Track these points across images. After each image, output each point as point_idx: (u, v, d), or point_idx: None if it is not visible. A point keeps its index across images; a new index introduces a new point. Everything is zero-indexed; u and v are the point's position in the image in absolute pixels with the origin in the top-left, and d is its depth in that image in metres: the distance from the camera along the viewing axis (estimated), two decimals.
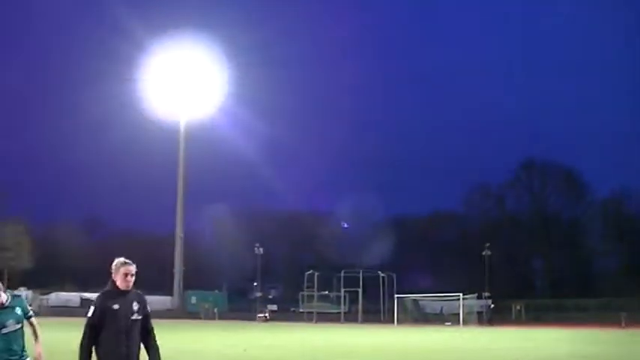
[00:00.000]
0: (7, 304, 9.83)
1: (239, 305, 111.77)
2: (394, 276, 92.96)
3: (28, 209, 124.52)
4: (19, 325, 9.93)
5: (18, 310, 9.97)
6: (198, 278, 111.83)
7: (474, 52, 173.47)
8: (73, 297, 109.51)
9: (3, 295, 9.83)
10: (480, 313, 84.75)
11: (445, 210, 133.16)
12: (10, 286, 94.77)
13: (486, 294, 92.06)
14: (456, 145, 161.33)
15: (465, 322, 78.60)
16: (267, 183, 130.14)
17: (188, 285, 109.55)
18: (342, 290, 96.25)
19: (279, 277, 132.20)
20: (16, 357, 9.83)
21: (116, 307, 8.53)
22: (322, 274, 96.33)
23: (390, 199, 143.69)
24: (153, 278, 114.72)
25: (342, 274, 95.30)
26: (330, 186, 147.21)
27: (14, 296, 10.14)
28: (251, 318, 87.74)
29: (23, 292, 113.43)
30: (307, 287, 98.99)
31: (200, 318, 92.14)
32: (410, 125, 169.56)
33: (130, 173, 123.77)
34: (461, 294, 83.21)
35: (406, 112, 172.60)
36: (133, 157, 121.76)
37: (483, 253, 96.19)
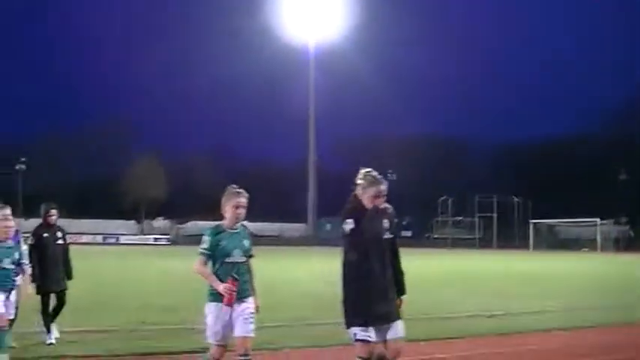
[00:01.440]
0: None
1: None
2: (529, 201, 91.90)
3: (160, 141, 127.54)
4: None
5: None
6: (332, 206, 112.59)
7: None
8: (209, 225, 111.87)
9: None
10: (617, 240, 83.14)
11: (582, 133, 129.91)
12: (148, 215, 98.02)
13: (624, 219, 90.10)
14: (588, 67, 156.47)
15: (603, 249, 77.27)
16: (398, 108, 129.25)
17: (322, 212, 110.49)
18: (477, 216, 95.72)
19: (412, 204, 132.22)
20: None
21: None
22: (456, 200, 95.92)
23: (523, 122, 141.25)
24: (286, 206, 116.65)
25: (477, 200, 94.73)
26: (460, 111, 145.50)
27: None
28: None
29: (161, 222, 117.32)
30: (441, 213, 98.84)
31: (334, 245, 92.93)
32: (537, 48, 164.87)
33: (261, 101, 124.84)
34: (598, 219, 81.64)
35: (529, 34, 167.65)
36: (263, 84, 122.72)
37: (621, 177, 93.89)
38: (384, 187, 7.76)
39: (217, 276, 7.96)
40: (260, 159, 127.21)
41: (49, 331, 12.37)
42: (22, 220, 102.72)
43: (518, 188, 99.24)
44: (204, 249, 8.08)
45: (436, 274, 34.00)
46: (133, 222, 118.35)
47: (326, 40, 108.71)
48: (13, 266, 10.29)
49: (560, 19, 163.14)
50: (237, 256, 8.08)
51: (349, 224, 7.54)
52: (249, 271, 8.26)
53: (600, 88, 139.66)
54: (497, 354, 11.89)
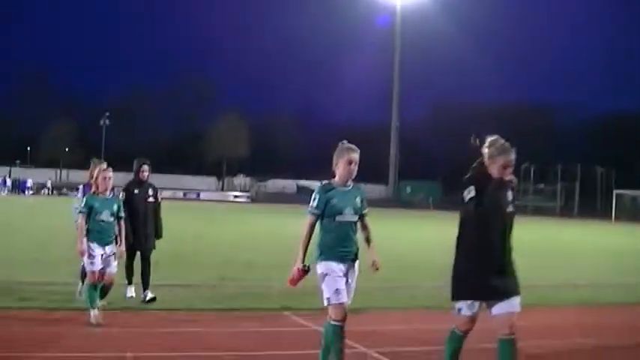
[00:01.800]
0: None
1: (454, 197, 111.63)
2: (613, 171, 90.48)
3: (243, 100, 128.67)
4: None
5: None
6: (413, 168, 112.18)
7: None
8: (289, 184, 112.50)
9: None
10: None
11: None
12: (229, 172, 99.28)
13: None
14: None
15: None
16: (483, 74, 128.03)
17: (403, 175, 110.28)
18: (559, 184, 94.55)
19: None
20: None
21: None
22: (538, 168, 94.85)
23: (614, 92, 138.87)
24: (368, 167, 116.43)
25: (559, 168, 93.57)
26: (545, 78, 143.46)
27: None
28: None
29: (242, 179, 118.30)
30: (523, 180, 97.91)
31: (414, 207, 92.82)
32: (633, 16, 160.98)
33: (343, 64, 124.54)
34: None
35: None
36: (347, 47, 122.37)
37: None
38: (513, 156, 7.38)
39: (327, 235, 7.66)
40: (342, 120, 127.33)
41: (130, 283, 12.44)
42: None
43: (605, 158, 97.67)
44: (314, 207, 7.71)
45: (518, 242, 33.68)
46: (213, 178, 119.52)
47: (413, 3, 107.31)
48: (112, 219, 10.49)
49: None
50: (348, 215, 7.72)
51: (470, 192, 7.05)
52: (364, 229, 7.97)
53: None
54: (578, 325, 11.79)
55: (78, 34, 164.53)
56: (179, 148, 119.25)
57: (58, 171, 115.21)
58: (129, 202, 12.05)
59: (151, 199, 12.54)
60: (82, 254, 10.44)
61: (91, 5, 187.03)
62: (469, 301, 6.99)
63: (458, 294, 7.06)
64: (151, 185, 12.67)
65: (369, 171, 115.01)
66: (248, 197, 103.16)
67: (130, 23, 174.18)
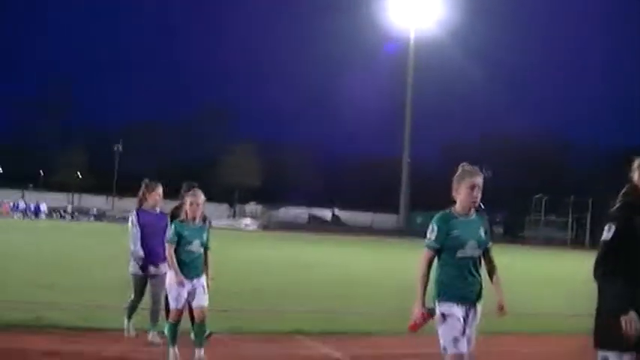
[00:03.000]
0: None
1: None
2: None
3: (256, 130, 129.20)
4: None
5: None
6: (424, 200, 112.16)
7: None
8: (301, 212, 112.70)
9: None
10: None
11: None
12: (241, 200, 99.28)
13: None
14: None
15: None
16: (496, 106, 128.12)
17: (414, 206, 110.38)
18: (570, 215, 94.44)
19: (506, 201, 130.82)
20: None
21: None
22: (550, 199, 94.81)
23: (628, 127, 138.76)
24: (379, 197, 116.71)
25: (572, 200, 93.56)
26: (560, 112, 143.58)
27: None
28: None
29: (253, 207, 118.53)
30: (534, 212, 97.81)
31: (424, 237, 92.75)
32: None
33: (357, 95, 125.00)
34: None
35: None
36: (360, 79, 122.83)
37: None
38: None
39: (447, 272, 6.71)
40: (355, 153, 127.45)
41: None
42: (115, 199, 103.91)
43: (617, 192, 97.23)
44: (432, 240, 6.73)
45: (526, 272, 33.82)
46: (225, 205, 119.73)
47: (426, 35, 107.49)
48: (202, 250, 9.54)
49: None
50: (471, 249, 6.73)
51: (610, 229, 5.98)
52: (489, 264, 7.00)
53: None
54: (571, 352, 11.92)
55: (95, 61, 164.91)
56: (191, 178, 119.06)
57: (70, 196, 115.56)
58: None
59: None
60: (182, 284, 9.28)
61: (107, 30, 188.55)
62: (618, 352, 5.75)
63: (605, 343, 5.85)
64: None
65: (380, 200, 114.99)
66: (258, 225, 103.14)
67: (146, 49, 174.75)
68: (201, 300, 9.38)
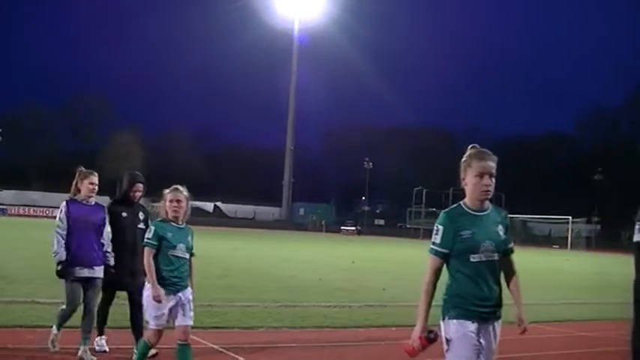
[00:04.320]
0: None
1: (346, 218, 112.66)
2: (502, 195, 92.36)
3: (140, 119, 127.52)
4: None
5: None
6: (306, 190, 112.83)
7: None
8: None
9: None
10: (588, 238, 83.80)
11: (557, 132, 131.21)
12: None
13: (595, 219, 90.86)
14: (571, 67, 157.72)
15: (573, 246, 77.80)
16: (379, 98, 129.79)
17: (297, 197, 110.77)
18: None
19: (387, 192, 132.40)
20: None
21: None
22: (430, 191, 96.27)
23: (501, 119, 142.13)
24: (262, 189, 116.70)
25: (451, 192, 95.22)
26: (441, 102, 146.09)
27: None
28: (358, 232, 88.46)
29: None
30: (415, 203, 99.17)
31: (307, 229, 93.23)
32: (525, 45, 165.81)
33: (242, 86, 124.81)
34: (570, 217, 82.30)
35: (521, 31, 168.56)
36: (245, 69, 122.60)
37: (595, 177, 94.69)
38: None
39: (458, 281, 5.40)
40: (239, 142, 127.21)
41: (101, 333, 9.79)
42: None
43: (497, 183, 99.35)
44: (439, 244, 5.48)
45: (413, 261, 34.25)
46: (108, 198, 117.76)
47: (312, 26, 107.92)
48: (187, 255, 8.07)
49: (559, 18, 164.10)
50: (487, 252, 5.42)
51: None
52: (508, 269, 5.65)
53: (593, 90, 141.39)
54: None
55: None
56: (70, 166, 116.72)
57: None
58: (113, 227, 9.66)
59: (141, 225, 9.83)
60: (159, 300, 7.74)
61: None
62: None
63: None
64: (142, 208, 10.18)
65: (263, 192, 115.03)
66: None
67: (19, 37, 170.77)
68: (187, 319, 7.88)
